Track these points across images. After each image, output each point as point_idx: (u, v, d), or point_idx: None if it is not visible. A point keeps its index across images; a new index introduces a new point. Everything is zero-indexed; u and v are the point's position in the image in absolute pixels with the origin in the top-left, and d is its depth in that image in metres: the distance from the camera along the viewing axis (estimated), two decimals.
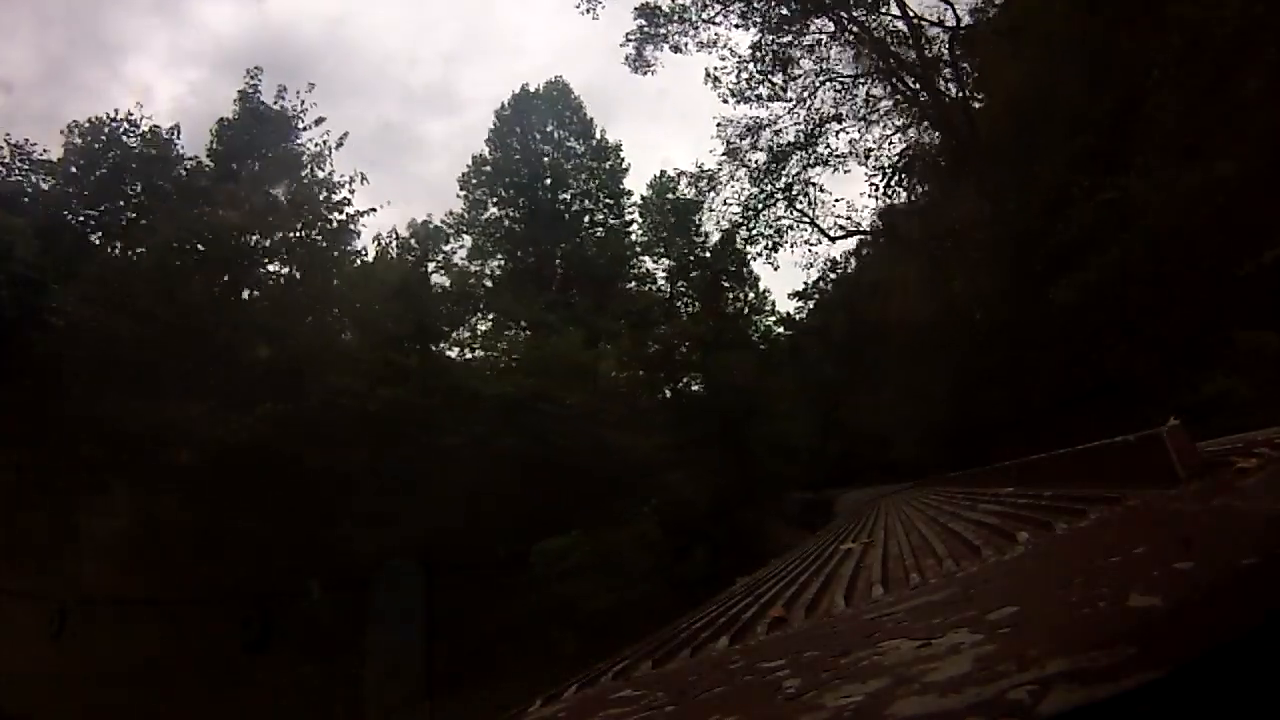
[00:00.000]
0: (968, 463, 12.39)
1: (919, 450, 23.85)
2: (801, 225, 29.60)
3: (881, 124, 26.50)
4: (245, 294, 22.21)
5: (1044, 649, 1.14)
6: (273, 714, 15.05)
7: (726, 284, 40.50)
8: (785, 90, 26.25)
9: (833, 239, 29.92)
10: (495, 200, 38.59)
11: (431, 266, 29.26)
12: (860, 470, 32.86)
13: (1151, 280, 13.49)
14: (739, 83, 26.74)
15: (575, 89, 39.80)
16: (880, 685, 1.29)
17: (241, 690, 14.65)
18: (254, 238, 21.73)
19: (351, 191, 24.08)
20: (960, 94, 23.94)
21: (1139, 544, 2.10)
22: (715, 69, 27.16)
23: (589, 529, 21.10)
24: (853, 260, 36.92)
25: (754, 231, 30.42)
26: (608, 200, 39.90)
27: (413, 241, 29.32)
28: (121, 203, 20.23)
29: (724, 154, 28.63)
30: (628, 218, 40.44)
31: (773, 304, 42.29)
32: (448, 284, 29.22)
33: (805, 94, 26.35)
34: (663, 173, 39.53)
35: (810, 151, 27.55)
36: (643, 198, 40.60)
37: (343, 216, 24.00)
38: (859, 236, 30.69)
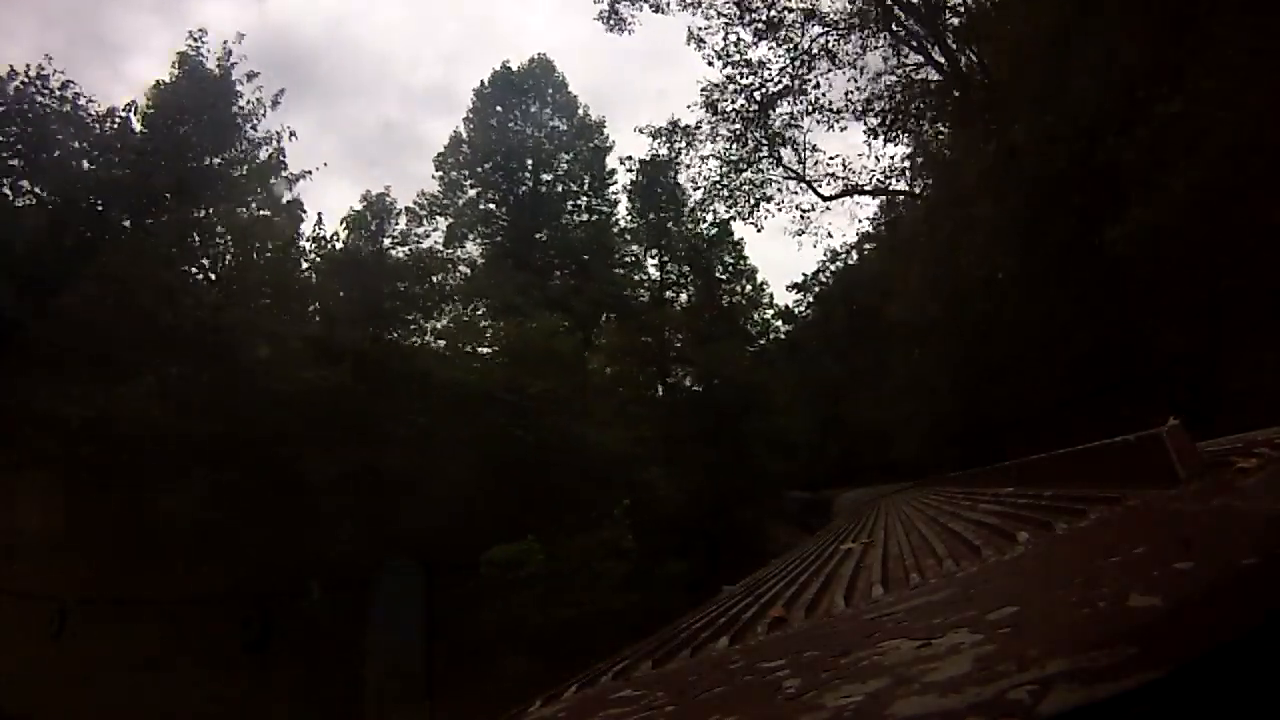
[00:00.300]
0: (977, 462, 11.93)
1: (923, 448, 23.00)
2: (789, 182, 26.32)
3: (882, 81, 23.70)
4: (184, 267, 20.49)
5: (1044, 649, 1.15)
6: (273, 714, 15.06)
7: (722, 276, 39.22)
8: (767, 33, 23.52)
9: (825, 198, 26.59)
10: (473, 181, 36.42)
11: (387, 242, 26.51)
12: (861, 469, 32.06)
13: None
14: (725, 45, 24.15)
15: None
16: (880, 685, 1.29)
17: (241, 690, 14.66)
18: (197, 211, 20.15)
19: (281, 149, 21.90)
20: (965, 29, 21.04)
21: (1139, 544, 2.10)
22: (700, 29, 24.40)
23: (550, 534, 19.34)
24: (853, 253, 35.75)
25: (735, 190, 26.65)
26: (592, 182, 37.60)
27: (367, 215, 26.85)
28: (29, 164, 18.30)
29: (703, 106, 25.50)
30: (612, 198, 38.31)
31: (770, 296, 41.15)
32: (410, 262, 26.44)
33: (793, 34, 23.58)
34: (653, 156, 37.26)
35: (799, 97, 24.61)
36: (632, 183, 38.42)
37: (275, 180, 21.95)
38: (854, 197, 27.23)
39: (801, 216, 27.00)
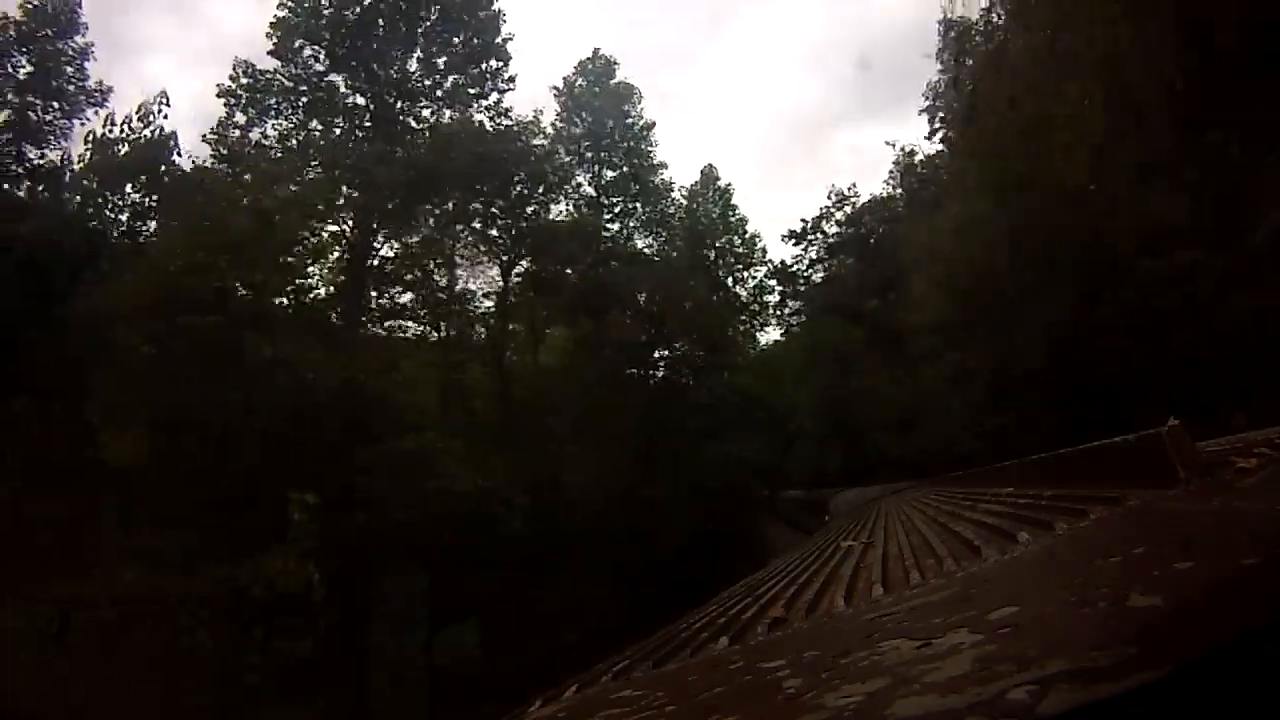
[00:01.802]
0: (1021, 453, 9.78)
1: (959, 435, 19.14)
2: None
3: None
4: None
5: (1044, 649, 1.15)
6: (273, 714, 15.06)
7: (704, 224, 33.02)
8: None
9: None
10: (324, 57, 25.80)
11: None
12: (873, 466, 26.63)
13: None
14: None
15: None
16: (880, 685, 1.29)
17: (242, 691, 14.66)
18: None
19: None
20: None
21: (1139, 544, 2.10)
22: None
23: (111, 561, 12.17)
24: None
25: None
26: (490, 60, 27.50)
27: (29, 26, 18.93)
28: None
29: None
30: (510, 78, 27.85)
31: (763, 250, 34.41)
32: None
33: None
34: (596, 50, 29.98)
35: None
36: (564, 79, 30.80)
37: None
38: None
39: None
